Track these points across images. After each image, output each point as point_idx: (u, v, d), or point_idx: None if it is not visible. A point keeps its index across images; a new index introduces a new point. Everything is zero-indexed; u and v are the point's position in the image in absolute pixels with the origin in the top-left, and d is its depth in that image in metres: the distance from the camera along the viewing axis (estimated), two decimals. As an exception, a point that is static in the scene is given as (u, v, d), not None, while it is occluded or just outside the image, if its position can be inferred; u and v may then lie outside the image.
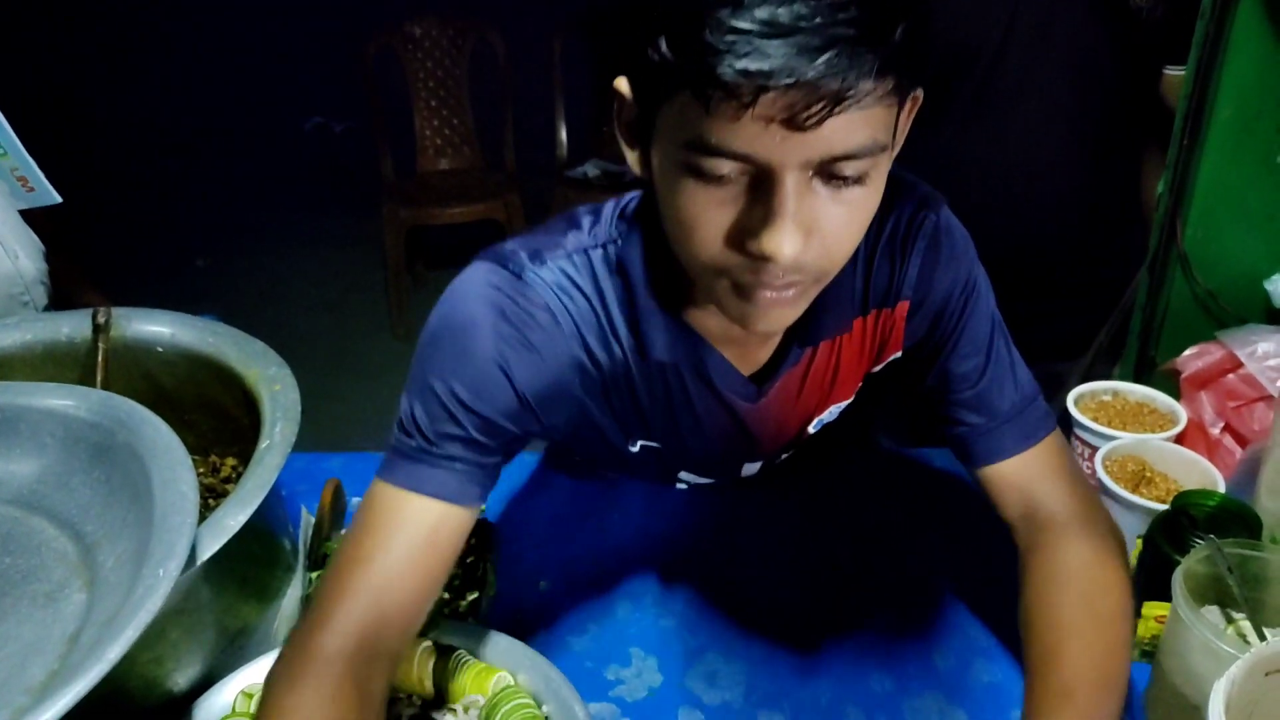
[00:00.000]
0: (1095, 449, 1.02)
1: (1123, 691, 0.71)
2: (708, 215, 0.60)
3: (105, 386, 0.95)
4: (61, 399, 0.77)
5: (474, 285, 0.72)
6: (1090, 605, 0.74)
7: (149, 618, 0.54)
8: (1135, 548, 0.91)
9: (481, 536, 1.01)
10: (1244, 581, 0.80)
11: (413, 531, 0.69)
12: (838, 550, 1.04)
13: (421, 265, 3.67)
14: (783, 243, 0.57)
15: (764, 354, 0.80)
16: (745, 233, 0.59)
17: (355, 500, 1.11)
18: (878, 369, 0.86)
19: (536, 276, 0.72)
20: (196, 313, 1.01)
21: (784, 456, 0.98)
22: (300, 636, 0.66)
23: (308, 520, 0.98)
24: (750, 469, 0.97)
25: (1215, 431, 1.04)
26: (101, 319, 0.95)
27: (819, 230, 0.59)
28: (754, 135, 0.54)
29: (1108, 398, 1.10)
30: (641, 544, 1.05)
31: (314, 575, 0.93)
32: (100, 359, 0.95)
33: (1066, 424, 1.08)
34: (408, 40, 3.31)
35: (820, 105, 0.53)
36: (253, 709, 0.74)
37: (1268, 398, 1.02)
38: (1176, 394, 1.08)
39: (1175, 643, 0.78)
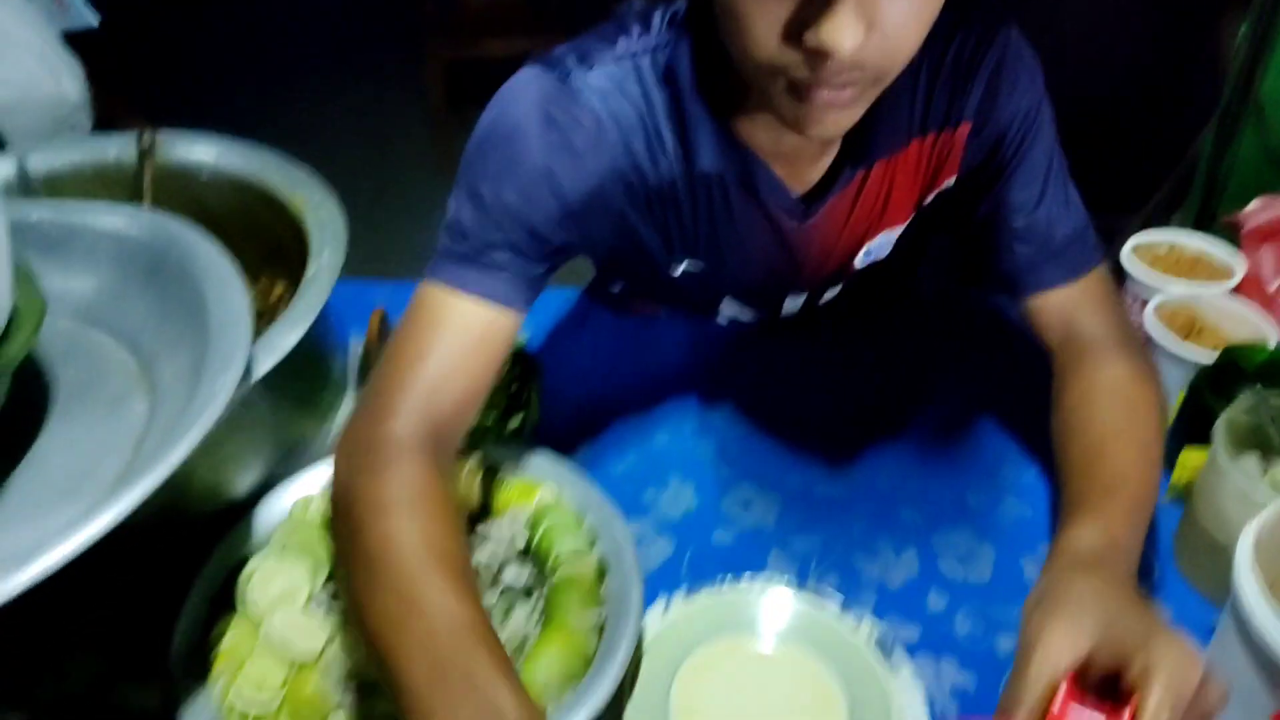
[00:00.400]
0: (1146, 300, 1.00)
1: (1158, 485, 0.74)
2: (764, 7, 0.57)
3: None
4: (114, 218, 0.78)
5: (521, 91, 0.71)
6: (1131, 410, 0.77)
7: (209, 424, 0.57)
8: (1179, 398, 0.91)
9: (525, 365, 1.03)
10: (1286, 432, 0.80)
11: (463, 331, 0.70)
12: (874, 389, 1.05)
13: (465, 101, 3.60)
14: (843, 34, 0.55)
15: (815, 173, 0.79)
16: (803, 25, 0.56)
17: (401, 329, 1.13)
18: (931, 197, 0.85)
19: (584, 82, 0.71)
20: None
21: (829, 296, 0.97)
22: (364, 428, 0.68)
23: (356, 347, 1.01)
24: (793, 304, 0.97)
25: (1273, 288, 1.01)
26: (146, 142, 0.95)
27: (880, 22, 0.56)
28: None
29: (1163, 251, 1.07)
30: (681, 379, 1.07)
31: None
32: (147, 182, 0.96)
33: (1120, 274, 1.06)
34: None
35: None
36: (310, 514, 0.78)
37: (1333, 252, 0.98)
38: (1238, 248, 1.05)
39: (1210, 487, 0.79)
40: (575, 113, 0.71)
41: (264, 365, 0.72)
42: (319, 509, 0.79)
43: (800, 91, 0.61)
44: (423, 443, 0.67)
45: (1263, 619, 0.62)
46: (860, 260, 0.89)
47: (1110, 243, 1.25)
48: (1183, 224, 1.18)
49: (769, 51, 0.59)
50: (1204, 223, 1.14)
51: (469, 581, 0.61)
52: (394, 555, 0.60)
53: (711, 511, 0.91)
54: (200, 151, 0.96)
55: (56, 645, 0.68)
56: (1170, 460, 0.91)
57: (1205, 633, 0.73)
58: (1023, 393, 1.02)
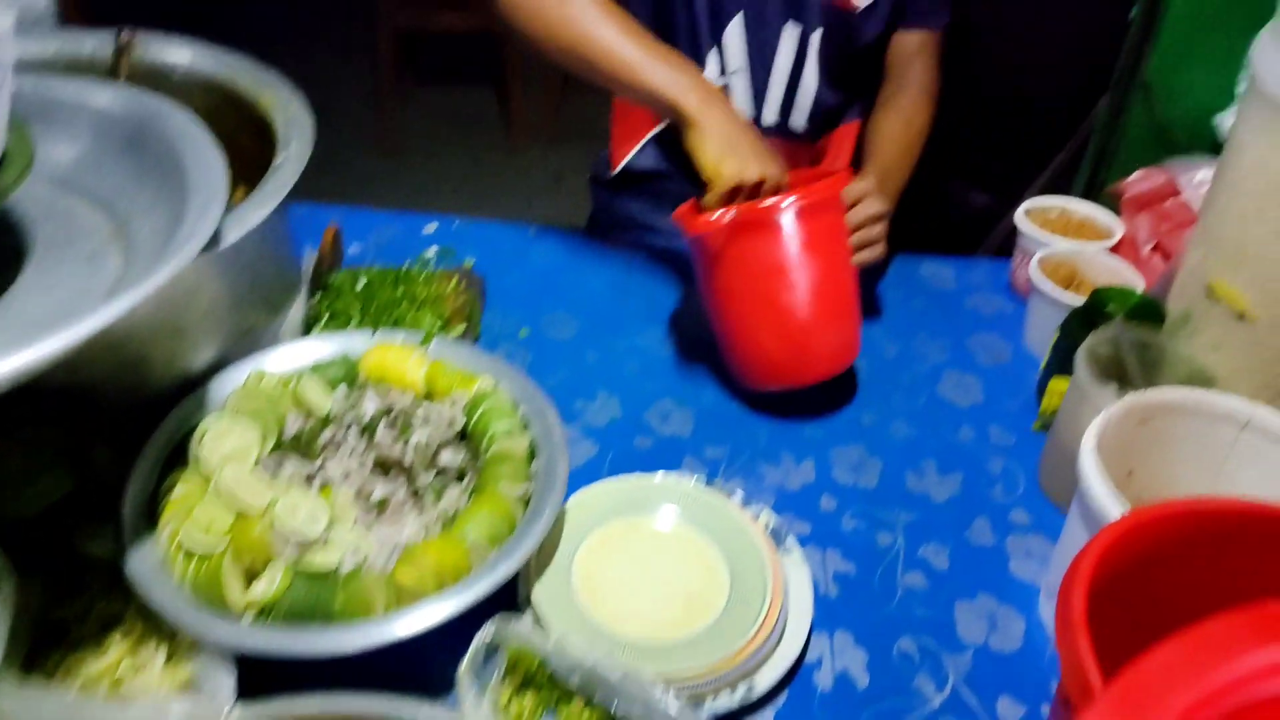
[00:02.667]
0: (1033, 254, 1.11)
1: (913, 164, 1.19)
2: None
3: (124, 107, 1.01)
4: (96, 93, 0.83)
5: None
6: (908, 130, 1.20)
7: (179, 267, 0.62)
8: (1055, 335, 1.02)
9: (471, 283, 1.11)
10: (1142, 364, 0.91)
11: None
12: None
13: (412, 79, 3.63)
14: None
15: None
16: None
17: (352, 247, 1.19)
18: None
19: None
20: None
21: (817, 37, 1.16)
22: None
23: (310, 254, 1.06)
24: (789, 42, 1.17)
25: (1146, 250, 1.14)
26: (124, 39, 1.00)
27: None
28: None
29: (1054, 215, 1.19)
30: (613, 305, 1.15)
31: (316, 298, 1.02)
32: (121, 79, 1.00)
33: (1014, 234, 1.17)
34: None
35: None
36: (264, 384, 0.84)
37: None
38: (1119, 215, 1.17)
39: (1072, 409, 0.90)
40: None
41: (231, 236, 0.77)
42: (272, 381, 0.85)
43: None
44: None
45: (1099, 493, 0.73)
46: None
47: (1013, 208, 1.37)
48: (1073, 191, 1.30)
49: None
50: (1093, 191, 1.27)
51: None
52: (604, 2, 0.95)
53: (633, 421, 0.99)
54: (175, 53, 1.00)
55: (17, 461, 0.72)
56: (1040, 394, 1.02)
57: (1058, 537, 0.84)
58: (921, 333, 1.13)
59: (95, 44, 1.00)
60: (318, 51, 3.96)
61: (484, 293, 1.13)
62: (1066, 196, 1.19)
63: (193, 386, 0.86)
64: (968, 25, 1.39)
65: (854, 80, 1.24)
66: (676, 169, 1.30)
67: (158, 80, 1.02)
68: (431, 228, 1.25)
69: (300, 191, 0.88)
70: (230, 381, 0.86)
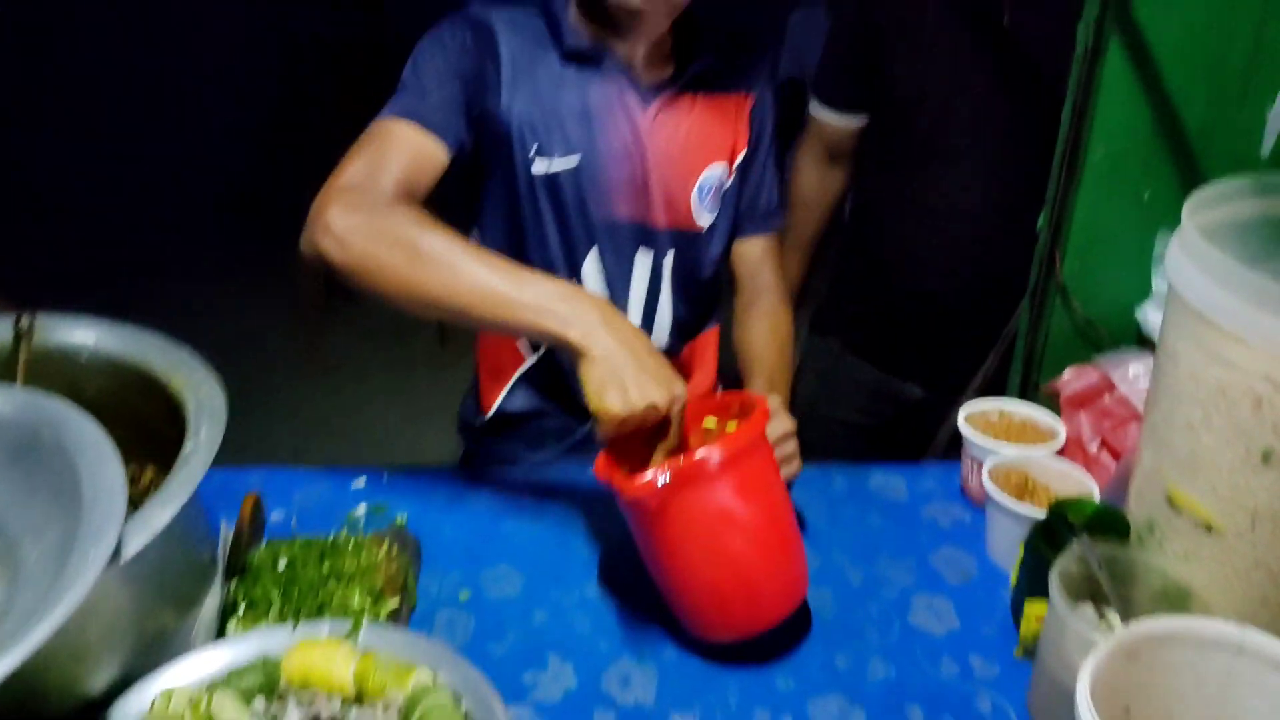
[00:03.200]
0: (983, 462, 1.09)
1: (791, 367, 1.27)
2: None
3: (23, 394, 0.95)
4: (-18, 399, 0.77)
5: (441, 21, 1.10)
6: (778, 334, 1.27)
7: (78, 599, 0.55)
8: (1019, 554, 0.98)
9: (404, 546, 1.03)
10: (1114, 579, 0.88)
11: (405, 142, 1.01)
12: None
13: (339, 297, 3.65)
14: None
15: (654, 78, 1.15)
16: None
17: (275, 514, 1.12)
18: (739, 159, 1.22)
19: (484, 8, 1.11)
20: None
21: (670, 257, 1.21)
22: (358, 197, 0.95)
23: (226, 533, 0.99)
24: (643, 263, 1.20)
25: (1093, 448, 1.13)
26: (24, 324, 0.95)
27: None
28: None
29: (994, 417, 1.18)
30: (558, 555, 1.08)
31: (233, 584, 0.94)
32: (21, 366, 0.95)
33: (957, 439, 1.15)
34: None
35: None
36: (171, 709, 0.75)
37: (1139, 417, 1.11)
38: (1058, 413, 1.17)
39: (1053, 637, 0.85)
40: (478, 19, 1.09)
41: (135, 544, 0.70)
42: (181, 702, 0.76)
43: (631, 11, 1.05)
44: (400, 198, 0.98)
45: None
46: (696, 200, 1.19)
47: (949, 412, 1.38)
48: (1008, 392, 1.31)
49: None
50: (1027, 390, 1.27)
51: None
52: (455, 241, 0.92)
53: (591, 691, 0.91)
54: (80, 334, 0.96)
55: None
56: (1016, 615, 0.97)
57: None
58: (882, 554, 1.08)
59: (-9, 333, 0.95)
60: (240, 273, 3.98)
61: (419, 554, 1.06)
62: (1003, 399, 1.19)
63: (93, 712, 0.76)
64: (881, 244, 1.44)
65: (706, 295, 1.29)
66: (553, 405, 1.28)
67: (63, 362, 0.97)
68: (360, 483, 1.19)
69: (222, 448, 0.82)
70: (134, 707, 0.76)
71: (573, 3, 1.12)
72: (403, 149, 1.01)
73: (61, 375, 0.96)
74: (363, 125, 1.04)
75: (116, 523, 0.62)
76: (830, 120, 1.51)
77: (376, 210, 0.94)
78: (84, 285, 3.86)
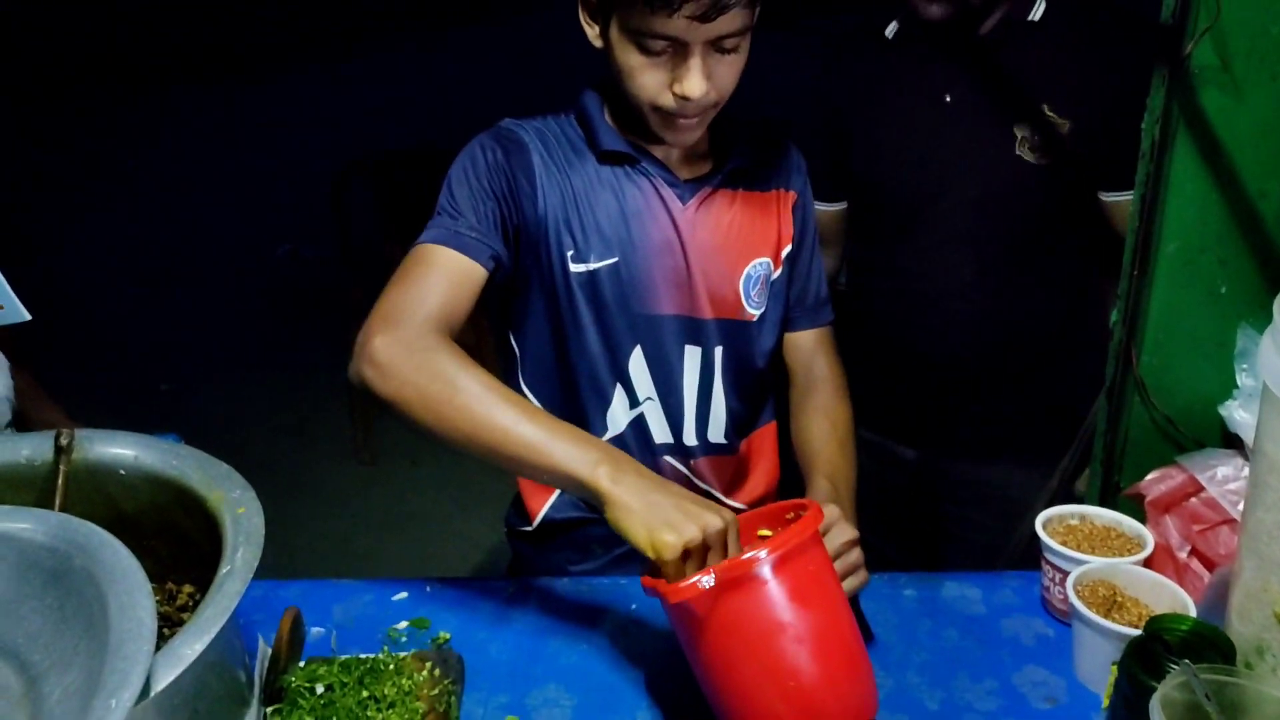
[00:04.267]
0: (1066, 573, 1.02)
1: (853, 463, 1.22)
2: (649, 73, 1.02)
3: (63, 509, 0.92)
4: (16, 523, 0.75)
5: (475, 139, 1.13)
6: (836, 430, 1.23)
7: (97, 754, 0.51)
8: (1111, 674, 0.90)
9: (447, 667, 0.98)
10: (1221, 708, 0.79)
11: (447, 269, 1.03)
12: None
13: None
14: (695, 85, 1.00)
15: (692, 172, 1.16)
16: (673, 81, 1.02)
17: (315, 630, 1.08)
18: (784, 252, 1.21)
19: (515, 124, 1.15)
20: (157, 435, 1.00)
21: (719, 350, 1.18)
22: (405, 333, 0.96)
23: (264, 650, 0.94)
24: (692, 360, 1.18)
25: (1183, 555, 1.05)
26: (65, 440, 0.93)
27: (713, 78, 1.02)
28: (679, 26, 0.96)
29: (1075, 521, 1.10)
30: (609, 675, 1.02)
31: (269, 710, 0.89)
32: (60, 481, 0.92)
33: (1036, 546, 1.08)
34: (381, 169, 3.39)
35: (717, 8, 0.94)
36: None
37: (1232, 521, 1.03)
38: (1142, 518, 1.09)
39: (1158, 774, 0.77)
40: (508, 133, 1.13)
41: (164, 678, 0.66)
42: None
43: (669, 120, 1.06)
44: (442, 326, 1.00)
45: None
46: (744, 292, 1.17)
47: (1027, 513, 1.32)
48: (1088, 499, 1.23)
49: (652, 96, 1.04)
50: (1107, 493, 1.20)
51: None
52: (492, 384, 0.94)
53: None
54: (119, 449, 0.94)
55: None
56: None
57: None
58: (960, 674, 1.00)
59: (32, 448, 0.93)
60: (293, 370, 4.03)
61: (463, 674, 1.00)
62: (1084, 505, 1.12)
63: None
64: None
65: (761, 388, 1.26)
66: (600, 514, 1.23)
67: (102, 477, 0.95)
68: (401, 596, 1.14)
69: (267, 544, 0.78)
70: None
71: (607, 109, 1.14)
72: (442, 276, 1.03)
73: (101, 490, 0.94)
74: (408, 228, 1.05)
75: (143, 667, 0.58)
76: (817, 209, 1.53)
77: (417, 344, 0.96)
78: (144, 378, 3.95)
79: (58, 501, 0.92)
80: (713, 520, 0.83)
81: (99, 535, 0.72)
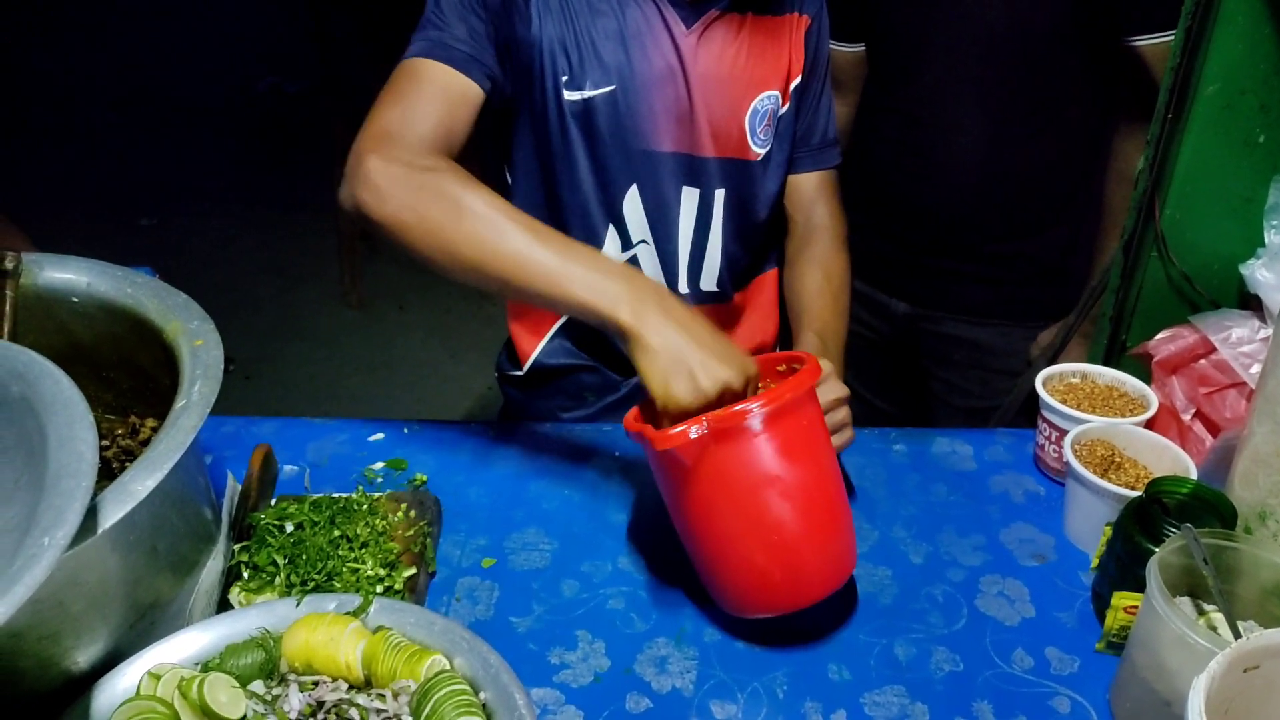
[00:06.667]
0: (1064, 432, 0.98)
1: (845, 317, 1.18)
2: None
3: (13, 338, 0.87)
4: (-48, 347, 0.69)
5: None
6: (831, 283, 1.17)
7: (28, 592, 0.48)
8: (1104, 534, 0.88)
9: (423, 508, 0.95)
10: (1218, 573, 0.77)
11: (435, 86, 0.94)
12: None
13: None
14: None
15: None
16: None
17: (289, 468, 1.05)
18: (794, 84, 1.12)
19: None
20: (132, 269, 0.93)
21: (720, 194, 1.11)
22: (392, 145, 0.88)
23: (234, 488, 0.91)
24: (690, 199, 1.10)
25: (1187, 418, 1.01)
26: (10, 264, 0.87)
27: None
28: None
29: (1076, 380, 1.07)
30: (591, 521, 1.00)
31: (238, 547, 0.87)
32: (8, 307, 0.87)
33: (1034, 405, 1.04)
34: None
35: None
36: (160, 690, 0.68)
37: (1241, 384, 0.99)
38: (1147, 378, 1.05)
39: (1147, 635, 0.75)
40: None
41: (112, 515, 0.62)
42: (169, 685, 0.69)
43: None
44: (440, 145, 0.92)
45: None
46: (749, 129, 1.09)
47: (1014, 379, 1.28)
48: (1093, 357, 1.19)
49: None
50: (1113, 352, 1.15)
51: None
52: (500, 204, 0.85)
53: (623, 675, 0.83)
54: (70, 274, 0.88)
55: None
56: (1098, 605, 0.87)
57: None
58: (947, 528, 0.98)
59: (-24, 271, 0.87)
60: (279, 208, 3.92)
61: (439, 516, 0.98)
62: (1086, 364, 1.08)
63: (78, 688, 0.70)
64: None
65: (762, 234, 1.19)
66: (595, 360, 1.19)
67: (53, 305, 0.89)
68: (378, 437, 1.11)
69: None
70: (119, 687, 0.69)
71: None
72: (435, 92, 0.94)
73: (54, 318, 0.89)
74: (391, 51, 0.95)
75: (81, 503, 0.54)
76: (834, 50, 1.41)
77: (417, 164, 0.87)
78: (124, 212, 3.85)
79: (6, 329, 0.86)
80: (734, 380, 0.78)
81: (40, 364, 0.67)
